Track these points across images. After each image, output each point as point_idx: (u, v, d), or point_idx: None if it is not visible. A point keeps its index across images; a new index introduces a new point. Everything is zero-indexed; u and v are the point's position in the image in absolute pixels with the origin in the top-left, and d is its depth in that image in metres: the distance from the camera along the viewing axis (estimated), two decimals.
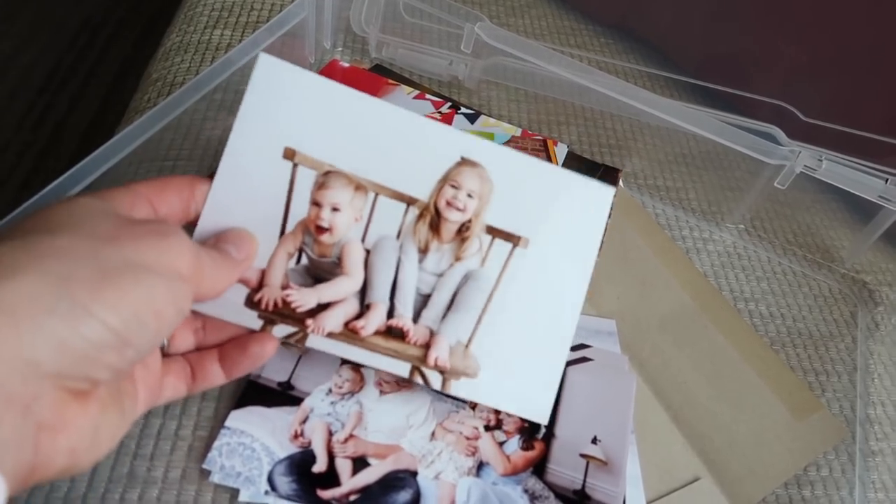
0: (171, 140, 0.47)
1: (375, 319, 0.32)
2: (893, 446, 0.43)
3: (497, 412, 0.37)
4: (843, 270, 0.51)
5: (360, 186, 0.32)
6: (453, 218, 0.33)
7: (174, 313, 0.25)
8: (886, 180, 0.46)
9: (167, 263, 0.24)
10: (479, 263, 0.33)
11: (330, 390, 0.36)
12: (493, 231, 0.33)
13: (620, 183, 0.52)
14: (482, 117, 0.53)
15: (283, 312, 0.32)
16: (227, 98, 0.50)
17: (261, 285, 0.32)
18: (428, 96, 0.54)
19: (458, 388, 0.33)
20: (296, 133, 0.32)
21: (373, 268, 0.33)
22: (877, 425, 0.44)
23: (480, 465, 0.35)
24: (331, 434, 0.35)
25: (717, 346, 0.44)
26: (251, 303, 0.31)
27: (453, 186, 0.33)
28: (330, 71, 0.54)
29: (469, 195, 0.33)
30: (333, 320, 0.32)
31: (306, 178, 0.32)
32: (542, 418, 0.34)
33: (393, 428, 0.36)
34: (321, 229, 0.32)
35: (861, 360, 0.46)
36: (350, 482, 0.33)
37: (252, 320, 0.31)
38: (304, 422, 0.35)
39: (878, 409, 0.44)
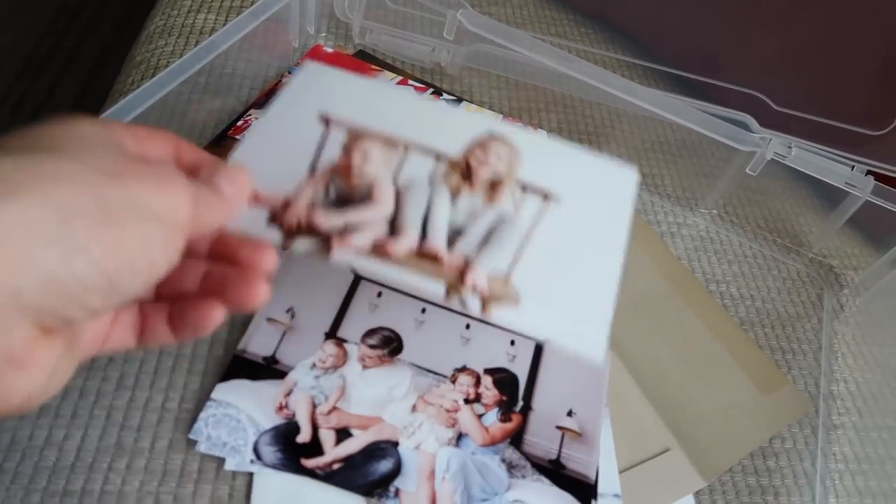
0: (155, 122, 0.48)
1: (407, 240, 0.31)
2: (854, 420, 0.45)
3: (476, 385, 0.38)
4: (811, 255, 0.53)
5: (391, 142, 0.34)
6: (484, 173, 0.34)
7: (166, 262, 0.24)
8: (853, 167, 0.48)
9: (169, 210, 0.23)
10: (512, 210, 0.33)
11: (314, 364, 0.37)
12: (525, 186, 0.34)
13: None
14: (464, 103, 0.54)
15: (307, 231, 0.30)
16: (211, 81, 0.51)
17: (286, 208, 0.31)
18: (411, 82, 0.55)
19: (499, 315, 0.31)
20: (334, 106, 0.35)
21: (404, 201, 0.32)
22: (839, 401, 0.45)
23: (460, 437, 0.36)
24: (314, 406, 0.36)
25: (689, 325, 0.45)
26: (274, 221, 0.30)
27: (482, 149, 0.34)
28: (313, 56, 0.55)
29: (498, 157, 0.34)
30: (361, 238, 0.30)
31: (339, 136, 0.34)
32: (597, 355, 0.31)
33: (375, 401, 0.37)
34: (351, 170, 0.33)
35: (826, 340, 0.48)
36: (333, 452, 0.34)
37: (275, 237, 0.30)
38: (288, 394, 0.36)
39: (841, 386, 0.46)
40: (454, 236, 0.32)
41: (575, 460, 0.37)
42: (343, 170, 0.33)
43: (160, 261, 0.23)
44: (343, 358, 0.38)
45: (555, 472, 0.36)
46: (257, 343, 0.37)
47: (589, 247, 0.33)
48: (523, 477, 0.36)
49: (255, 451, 0.34)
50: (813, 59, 0.54)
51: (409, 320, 0.40)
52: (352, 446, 0.35)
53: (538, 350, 0.41)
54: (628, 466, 0.38)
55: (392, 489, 0.34)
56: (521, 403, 0.38)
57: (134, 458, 0.34)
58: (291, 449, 0.34)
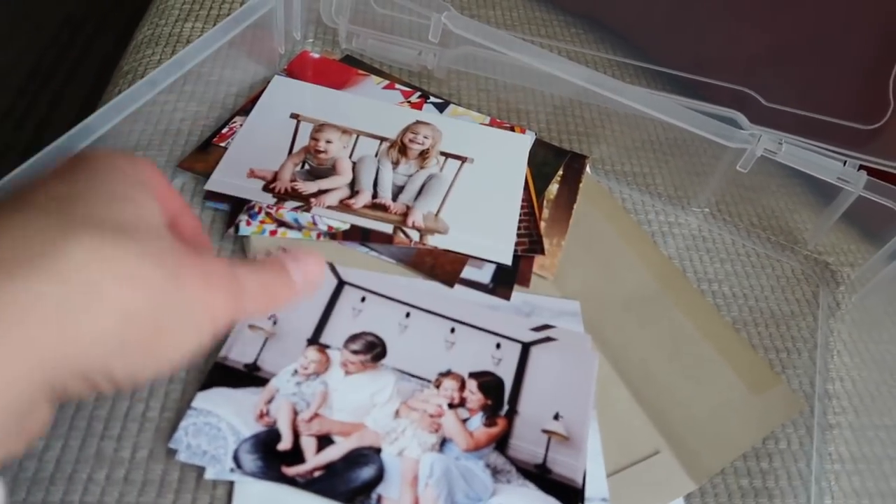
0: (141, 130, 0.48)
1: (363, 198, 0.45)
2: (850, 420, 0.44)
3: (461, 390, 0.38)
4: (806, 252, 0.53)
5: (346, 131, 0.49)
6: (415, 148, 0.48)
7: (184, 363, 0.24)
8: (844, 162, 0.47)
9: (209, 317, 0.24)
10: (438, 170, 0.48)
11: (296, 371, 0.37)
12: (446, 154, 0.49)
13: (588, 169, 0.53)
14: (451, 106, 0.54)
15: (292, 195, 0.44)
16: (196, 89, 0.51)
17: (275, 179, 0.44)
18: (398, 86, 0.55)
19: (433, 241, 0.43)
20: (300, 108, 0.49)
21: (359, 170, 0.46)
22: (835, 400, 0.45)
23: (444, 442, 0.36)
24: (296, 413, 0.36)
25: (679, 326, 0.45)
26: (266, 189, 0.44)
27: (412, 132, 0.49)
28: (300, 62, 0.55)
29: (425, 137, 0.49)
30: (331, 198, 0.44)
31: (306, 129, 0.48)
32: (506, 259, 0.44)
33: (357, 407, 0.36)
34: (318, 151, 0.47)
35: (822, 338, 0.47)
36: (314, 459, 0.34)
37: (269, 200, 0.43)
38: (269, 402, 0.36)
39: (837, 385, 0.46)
40: (397, 192, 0.46)
41: (561, 464, 0.36)
42: (313, 151, 0.47)
43: (180, 363, 0.23)
44: (325, 364, 0.38)
45: (541, 476, 0.35)
46: (238, 350, 0.37)
47: (496, 190, 0.47)
48: (508, 482, 0.35)
49: (236, 459, 0.34)
50: (802, 54, 0.54)
51: (393, 325, 0.40)
52: (333, 453, 0.34)
53: (524, 353, 0.40)
54: (616, 470, 0.37)
55: (374, 496, 0.33)
56: (506, 407, 0.38)
57: (114, 468, 0.33)
58: (272, 457, 0.34)
